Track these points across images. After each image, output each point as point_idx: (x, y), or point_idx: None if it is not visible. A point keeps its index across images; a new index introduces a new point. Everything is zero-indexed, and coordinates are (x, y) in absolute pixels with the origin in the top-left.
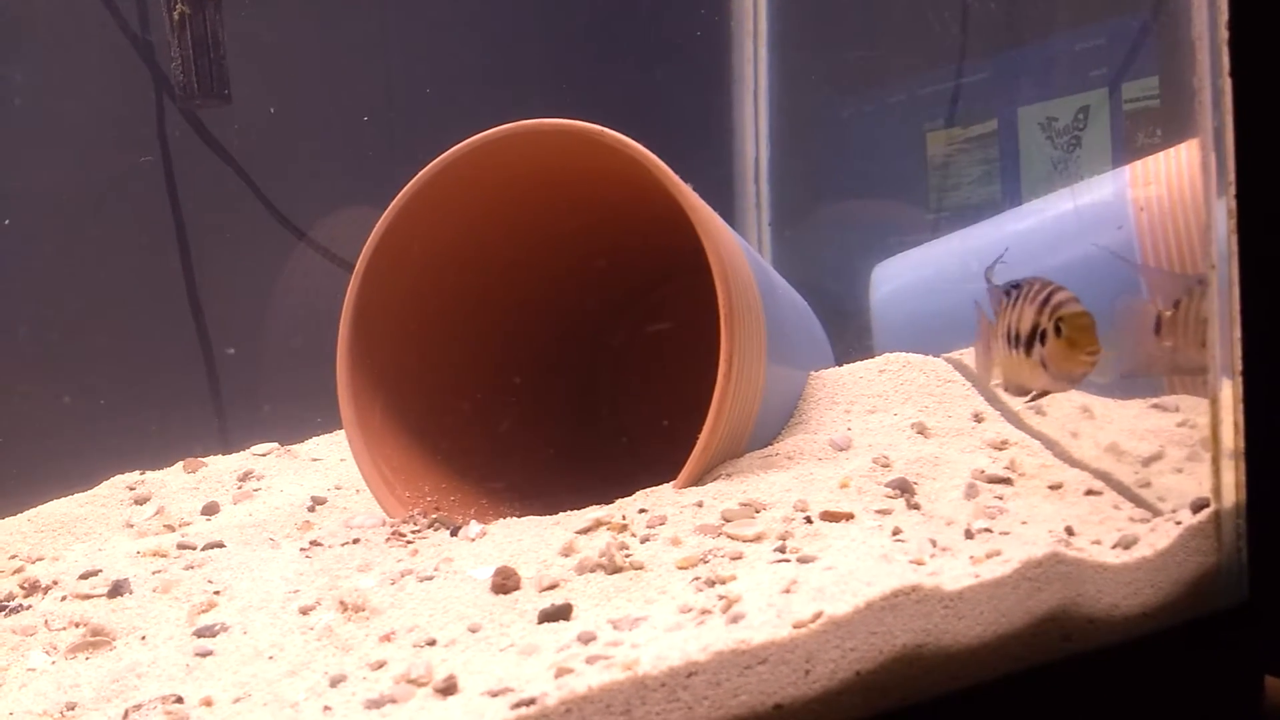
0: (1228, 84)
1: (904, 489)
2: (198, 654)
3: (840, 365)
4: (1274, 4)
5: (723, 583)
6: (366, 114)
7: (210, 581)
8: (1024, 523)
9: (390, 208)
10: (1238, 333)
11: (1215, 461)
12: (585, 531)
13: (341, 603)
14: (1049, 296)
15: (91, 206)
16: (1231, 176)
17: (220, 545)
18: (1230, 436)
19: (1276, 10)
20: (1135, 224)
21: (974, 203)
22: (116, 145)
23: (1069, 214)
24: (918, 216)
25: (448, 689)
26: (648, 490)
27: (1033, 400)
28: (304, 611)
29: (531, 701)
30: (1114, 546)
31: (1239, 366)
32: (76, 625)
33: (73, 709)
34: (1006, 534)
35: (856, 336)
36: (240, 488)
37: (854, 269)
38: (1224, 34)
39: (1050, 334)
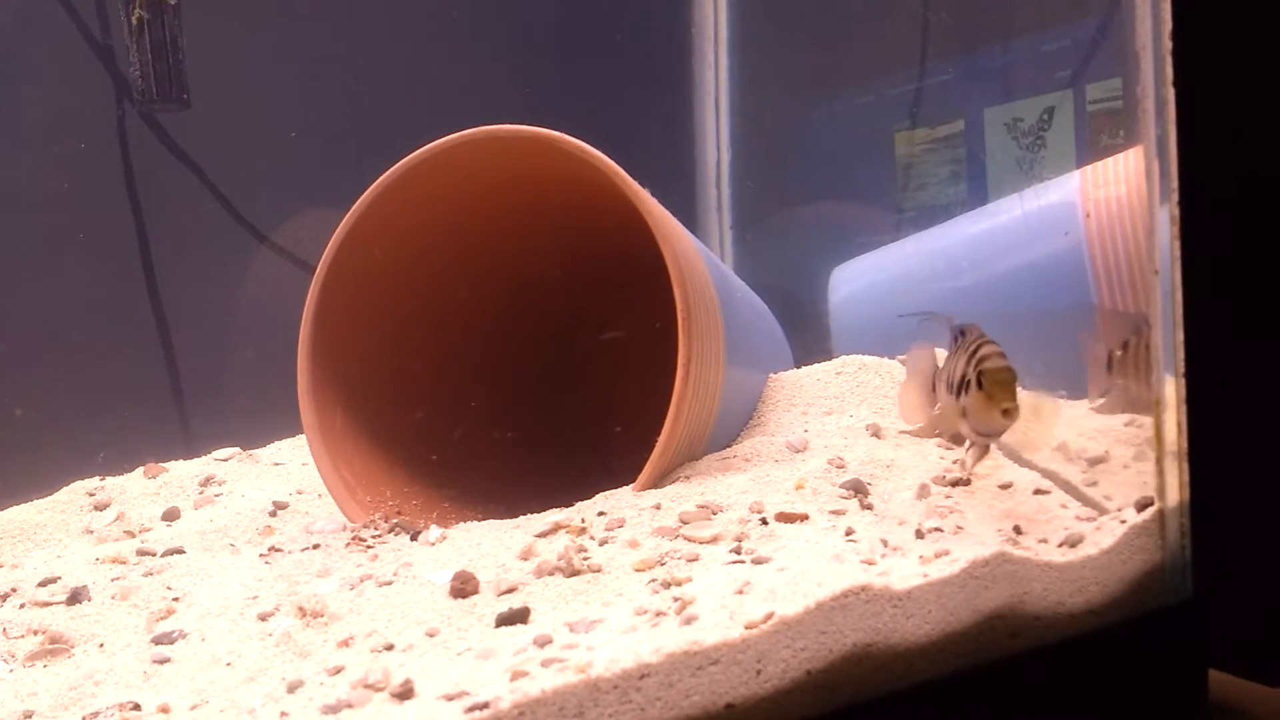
0: (1171, 93)
1: (858, 490)
2: (156, 661)
3: (799, 367)
4: (1216, 15)
5: (678, 584)
6: (333, 119)
7: (169, 588)
8: (974, 522)
9: (351, 211)
10: (1181, 335)
11: (1159, 461)
12: (544, 535)
13: (300, 609)
14: (978, 349)
15: (51, 210)
16: (1175, 184)
17: (180, 551)
18: (1174, 437)
19: (1218, 21)
20: (1084, 229)
21: (941, 203)
22: (76, 149)
23: (1019, 219)
24: (879, 218)
25: (404, 694)
26: (607, 493)
27: (966, 450)
28: (262, 618)
29: (486, 705)
30: (1060, 545)
31: (1182, 368)
32: (35, 633)
33: (30, 717)
34: (956, 533)
35: (816, 339)
36: (201, 493)
37: (813, 272)
38: (1167, 44)
39: (973, 386)
